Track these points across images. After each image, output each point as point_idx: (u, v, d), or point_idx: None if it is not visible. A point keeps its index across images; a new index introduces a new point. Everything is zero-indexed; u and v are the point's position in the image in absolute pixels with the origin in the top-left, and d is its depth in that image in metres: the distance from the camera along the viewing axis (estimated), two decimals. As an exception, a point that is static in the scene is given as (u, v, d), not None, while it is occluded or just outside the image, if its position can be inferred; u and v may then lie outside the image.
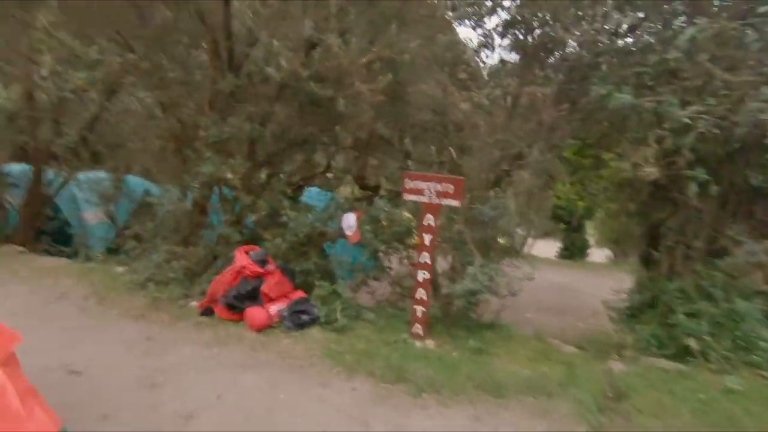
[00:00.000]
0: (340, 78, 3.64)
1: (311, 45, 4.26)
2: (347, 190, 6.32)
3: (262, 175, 4.92)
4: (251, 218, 5.21)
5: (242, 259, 3.86)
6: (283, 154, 4.98)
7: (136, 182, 7.00)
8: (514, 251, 4.22)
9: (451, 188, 3.45)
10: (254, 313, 3.77)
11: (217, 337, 3.65)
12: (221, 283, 3.91)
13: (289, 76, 3.75)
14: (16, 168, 6.59)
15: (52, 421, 1.73)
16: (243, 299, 3.84)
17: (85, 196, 6.89)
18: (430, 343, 3.60)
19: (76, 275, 4.92)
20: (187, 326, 3.84)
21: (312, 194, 6.28)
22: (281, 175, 4.94)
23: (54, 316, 3.86)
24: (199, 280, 4.71)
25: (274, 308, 3.87)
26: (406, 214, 4.20)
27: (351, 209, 4.48)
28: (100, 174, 6.89)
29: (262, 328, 3.78)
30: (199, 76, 4.44)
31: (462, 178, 3.58)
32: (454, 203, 3.50)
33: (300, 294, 4.13)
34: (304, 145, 5.23)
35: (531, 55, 4.24)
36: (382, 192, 5.28)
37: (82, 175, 6.77)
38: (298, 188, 5.44)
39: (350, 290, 4.28)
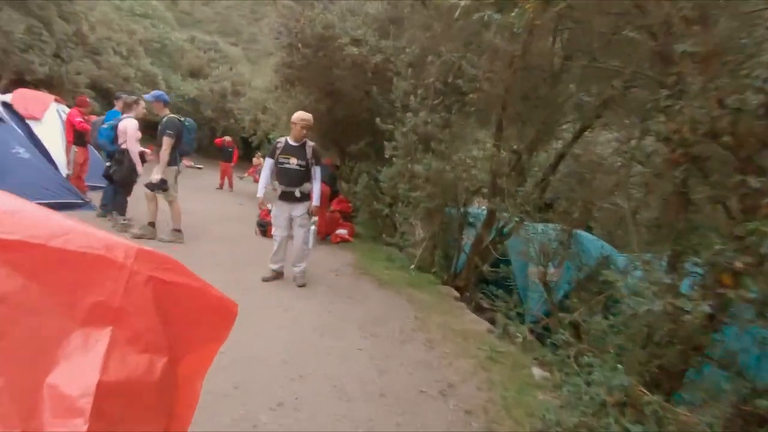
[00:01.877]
0: None
1: None
2: None
3: None
4: None
5: None
6: None
7: (591, 242, 4.90)
8: None
9: None
10: None
11: None
12: None
13: None
14: (475, 209, 6.23)
15: None
16: None
17: (533, 249, 5.58)
18: None
19: (479, 358, 3.37)
20: None
21: None
22: None
23: (407, 426, 2.33)
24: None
25: None
26: None
27: None
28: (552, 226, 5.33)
29: None
30: None
31: None
32: None
33: None
34: None
35: None
36: None
37: (538, 225, 5.51)
38: None
39: None
